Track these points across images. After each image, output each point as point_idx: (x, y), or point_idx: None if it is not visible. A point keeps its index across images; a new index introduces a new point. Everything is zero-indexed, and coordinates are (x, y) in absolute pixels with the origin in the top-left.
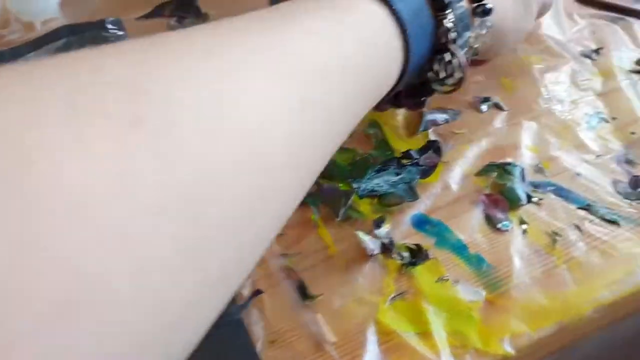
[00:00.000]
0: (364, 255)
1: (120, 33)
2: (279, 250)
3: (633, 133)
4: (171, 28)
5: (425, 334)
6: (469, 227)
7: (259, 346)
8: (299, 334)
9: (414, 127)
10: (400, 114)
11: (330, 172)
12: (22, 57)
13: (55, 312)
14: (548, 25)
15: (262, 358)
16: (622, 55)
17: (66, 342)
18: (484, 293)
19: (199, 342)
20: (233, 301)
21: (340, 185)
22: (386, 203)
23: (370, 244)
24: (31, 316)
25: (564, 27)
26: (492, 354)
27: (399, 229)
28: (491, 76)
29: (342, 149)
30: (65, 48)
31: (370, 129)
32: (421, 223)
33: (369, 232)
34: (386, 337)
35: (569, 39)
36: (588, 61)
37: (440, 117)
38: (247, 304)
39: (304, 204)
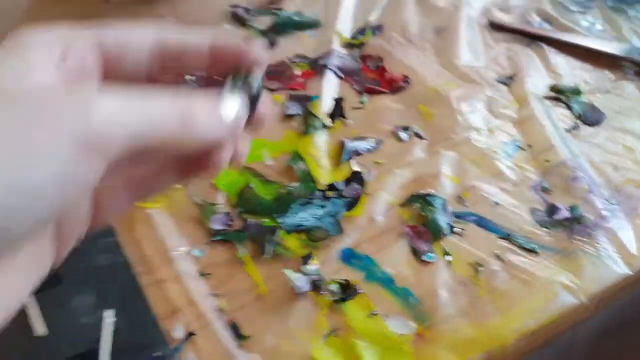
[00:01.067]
0: (294, 293)
1: None
2: (209, 290)
3: (547, 161)
4: None
5: None
6: (395, 259)
7: None
8: None
9: (336, 156)
10: (323, 143)
11: (254, 208)
12: None
13: None
14: (463, 52)
15: None
16: (536, 82)
17: None
18: (414, 326)
19: None
20: (165, 343)
21: (265, 221)
22: (313, 238)
23: (299, 282)
24: None
25: (479, 53)
26: None
27: (328, 264)
28: (409, 104)
29: (265, 182)
30: None
31: (293, 161)
32: (349, 257)
33: (298, 269)
34: None
35: (484, 65)
36: (504, 87)
37: (362, 146)
38: (180, 346)
39: (229, 242)
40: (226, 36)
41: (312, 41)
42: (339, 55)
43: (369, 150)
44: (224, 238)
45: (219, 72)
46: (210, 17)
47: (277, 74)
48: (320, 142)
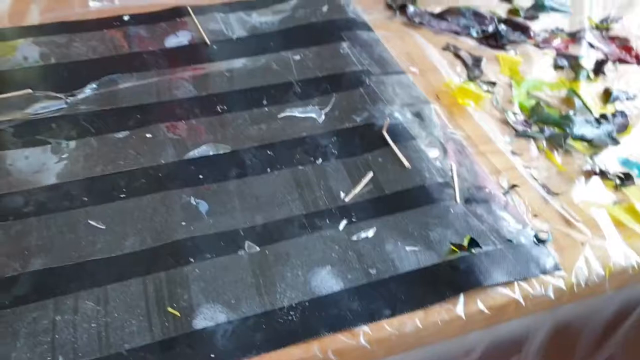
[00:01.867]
0: (586, 174)
1: (344, 0)
2: (523, 163)
3: None
4: (388, 5)
5: None
6: None
7: (526, 217)
8: (552, 214)
9: (604, 99)
10: (588, 88)
11: (545, 119)
12: (266, 8)
13: None
14: None
15: (530, 224)
16: None
17: None
18: None
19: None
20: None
21: (556, 129)
22: (595, 145)
23: (591, 166)
24: None
25: None
26: None
27: (609, 163)
28: None
29: (549, 106)
30: (293, 10)
31: (570, 94)
32: (624, 163)
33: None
34: (615, 223)
35: None
36: None
37: (623, 95)
38: (508, 191)
39: (531, 137)
40: None
41: (566, 20)
42: (591, 32)
43: (627, 99)
44: (527, 135)
45: None
46: None
47: (544, 39)
48: (586, 87)
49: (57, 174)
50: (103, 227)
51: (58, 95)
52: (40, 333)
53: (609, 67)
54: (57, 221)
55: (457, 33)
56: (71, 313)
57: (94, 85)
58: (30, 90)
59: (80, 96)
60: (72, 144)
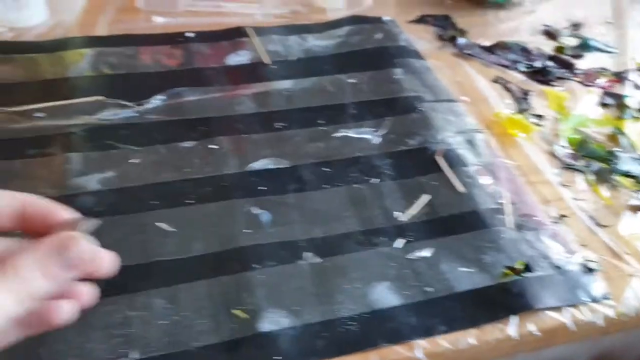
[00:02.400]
0: (633, 208)
1: (396, 29)
2: (570, 195)
3: None
4: (439, 36)
5: None
6: None
7: (573, 246)
8: (600, 245)
9: None
10: (634, 127)
11: (591, 154)
12: (321, 33)
13: None
14: None
15: (577, 252)
16: None
17: None
18: None
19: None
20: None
21: (602, 164)
22: None
23: (637, 201)
24: None
25: None
26: None
27: None
28: None
29: (596, 144)
30: (348, 36)
31: (616, 131)
32: None
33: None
34: None
35: None
36: None
37: None
38: (557, 221)
39: (579, 170)
40: (34, 200)
41: (611, 60)
42: (636, 74)
43: None
44: (574, 168)
45: (28, 229)
46: (526, 30)
47: (589, 77)
48: (631, 126)
49: (126, 177)
50: (171, 230)
51: (128, 103)
52: (114, 326)
53: None
54: (128, 222)
55: (505, 67)
56: (143, 309)
57: (162, 97)
58: (101, 97)
59: (149, 106)
60: (141, 150)
